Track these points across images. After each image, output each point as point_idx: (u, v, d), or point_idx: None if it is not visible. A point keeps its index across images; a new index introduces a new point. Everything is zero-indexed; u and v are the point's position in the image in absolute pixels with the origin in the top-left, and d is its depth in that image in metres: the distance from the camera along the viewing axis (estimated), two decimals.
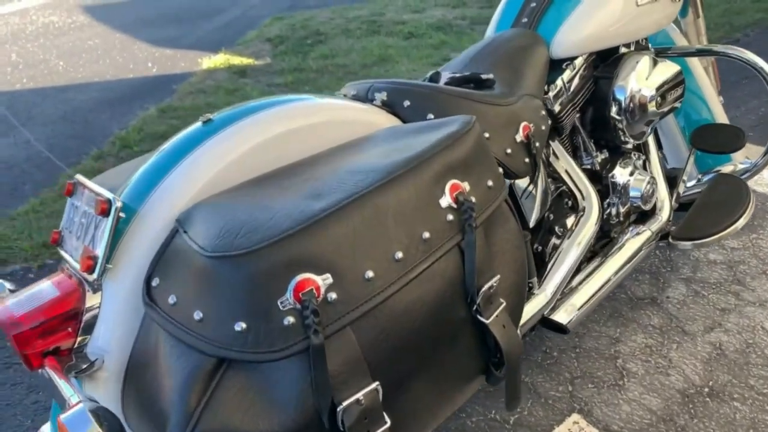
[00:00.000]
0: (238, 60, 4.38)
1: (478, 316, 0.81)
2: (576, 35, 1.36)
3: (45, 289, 0.78)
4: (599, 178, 1.51)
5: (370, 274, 0.69)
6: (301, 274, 0.65)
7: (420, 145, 0.80)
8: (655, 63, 1.49)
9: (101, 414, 0.63)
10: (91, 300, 0.77)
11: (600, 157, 1.52)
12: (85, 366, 0.75)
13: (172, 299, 0.68)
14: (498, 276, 0.83)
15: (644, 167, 1.64)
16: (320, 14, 5.81)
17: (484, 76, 1.16)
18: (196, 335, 0.65)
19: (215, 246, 0.65)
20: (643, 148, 1.66)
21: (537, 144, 1.13)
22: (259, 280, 0.63)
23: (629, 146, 1.56)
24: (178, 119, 3.27)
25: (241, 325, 0.63)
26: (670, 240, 1.55)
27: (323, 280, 0.66)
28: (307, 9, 6.08)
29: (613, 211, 1.52)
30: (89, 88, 3.96)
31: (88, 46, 5.03)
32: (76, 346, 0.76)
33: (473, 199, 0.80)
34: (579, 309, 1.27)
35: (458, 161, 0.80)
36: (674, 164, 1.86)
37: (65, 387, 0.69)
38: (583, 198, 1.37)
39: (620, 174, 1.52)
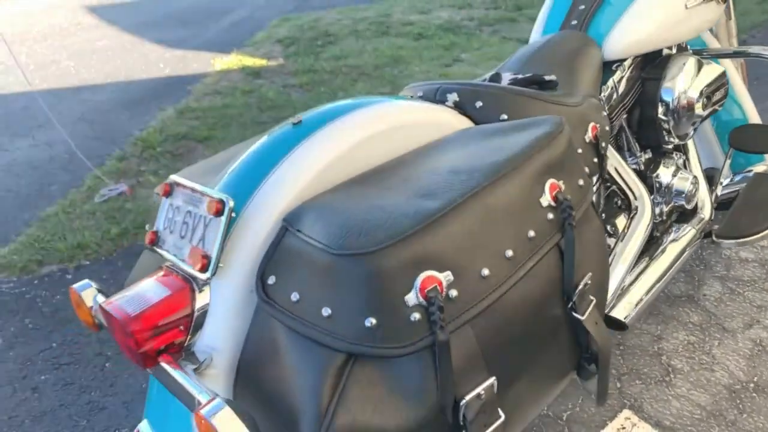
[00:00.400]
0: (250, 61, 4.38)
1: (573, 313, 0.83)
2: (627, 38, 1.38)
3: (152, 287, 0.79)
4: (643, 178, 1.54)
5: (485, 271, 0.71)
6: (425, 271, 0.67)
7: (516, 145, 0.82)
8: (699, 64, 1.51)
9: (234, 407, 0.64)
10: (201, 298, 0.78)
11: (644, 157, 1.55)
12: (196, 364, 0.76)
13: (294, 296, 0.69)
14: (590, 273, 0.85)
15: (684, 167, 1.67)
16: (327, 15, 5.82)
17: (547, 78, 1.18)
18: (326, 331, 0.66)
19: (342, 244, 0.66)
20: (682, 148, 1.68)
21: (603, 144, 1.15)
22: (389, 277, 0.65)
23: (670, 146, 1.58)
24: (198, 120, 3.28)
25: (371, 321, 0.65)
26: (714, 238, 1.57)
27: (445, 278, 0.68)
28: (312, 10, 6.09)
29: (657, 210, 1.54)
30: (103, 89, 3.96)
31: (97, 47, 5.02)
32: (186, 344, 0.77)
33: (569, 198, 0.82)
34: (636, 306, 1.30)
35: (555, 160, 0.82)
36: (706, 164, 1.89)
37: (192, 384, 0.70)
38: (635, 198, 1.39)
39: (664, 173, 1.55)
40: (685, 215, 1.62)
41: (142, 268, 1.06)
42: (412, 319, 0.66)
